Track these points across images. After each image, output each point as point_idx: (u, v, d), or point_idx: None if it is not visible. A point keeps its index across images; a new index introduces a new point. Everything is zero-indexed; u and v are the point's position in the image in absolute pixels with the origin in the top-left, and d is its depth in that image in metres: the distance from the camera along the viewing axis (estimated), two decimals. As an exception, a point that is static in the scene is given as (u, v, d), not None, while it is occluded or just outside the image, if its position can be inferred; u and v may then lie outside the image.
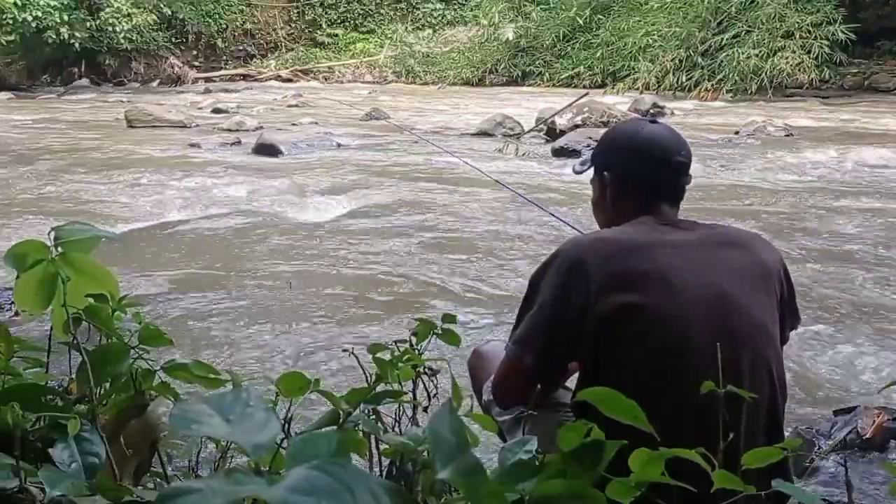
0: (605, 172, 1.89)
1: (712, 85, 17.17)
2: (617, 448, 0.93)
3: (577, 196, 6.61)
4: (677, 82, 17.71)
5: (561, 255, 1.69)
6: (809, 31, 16.73)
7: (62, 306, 1.26)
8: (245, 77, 24.72)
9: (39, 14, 20.52)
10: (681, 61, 17.90)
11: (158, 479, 1.38)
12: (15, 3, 19.78)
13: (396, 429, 1.60)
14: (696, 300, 1.61)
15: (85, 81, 22.82)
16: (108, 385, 1.31)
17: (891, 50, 17.41)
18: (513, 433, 1.85)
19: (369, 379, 1.41)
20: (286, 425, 1.40)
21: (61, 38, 21.13)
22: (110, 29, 22.17)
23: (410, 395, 1.55)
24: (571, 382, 1.83)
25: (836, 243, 5.73)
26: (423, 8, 26.36)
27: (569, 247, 1.70)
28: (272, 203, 7.09)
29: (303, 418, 1.74)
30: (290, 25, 27.07)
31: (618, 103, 13.51)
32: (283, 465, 0.72)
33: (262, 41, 26.92)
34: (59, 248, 1.27)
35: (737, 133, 11.05)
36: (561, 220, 3.29)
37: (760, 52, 16.76)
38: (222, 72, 25.36)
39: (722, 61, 17.16)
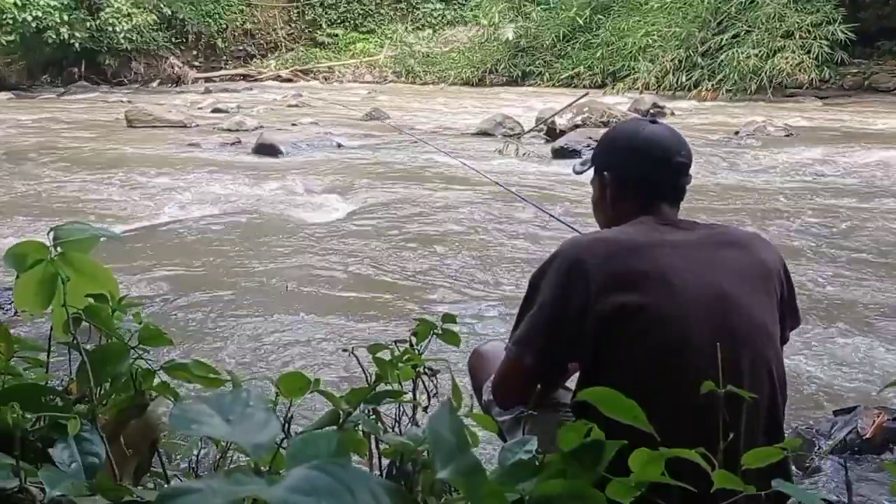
0: (606, 172, 1.89)
1: (712, 85, 17.17)
2: (617, 448, 0.93)
3: (577, 196, 6.61)
4: (677, 82, 17.71)
5: (561, 255, 1.69)
6: (809, 31, 16.72)
7: (62, 306, 1.26)
8: (245, 77, 24.71)
9: (39, 14, 20.51)
10: (681, 61, 17.90)
11: (158, 479, 1.38)
12: (15, 3, 19.77)
13: (396, 429, 1.60)
14: (696, 300, 1.61)
15: (85, 81, 22.82)
16: (108, 385, 1.30)
17: (891, 50, 17.41)
18: (513, 433, 1.85)
19: (369, 379, 1.41)
20: (286, 425, 1.40)
21: (61, 38, 21.13)
22: (110, 29, 22.16)
23: (410, 395, 1.55)
24: (571, 382, 1.83)
25: (835, 243, 5.73)
26: (423, 8, 26.36)
27: (568, 247, 1.70)
28: (272, 203, 7.09)
29: (303, 418, 1.75)
30: (290, 25, 27.07)
31: (618, 103, 13.52)
32: (283, 465, 0.72)
33: (262, 41, 26.92)
34: (59, 248, 1.27)
35: (737, 133, 11.05)
36: (560, 220, 3.29)
37: (760, 52, 16.76)
38: (222, 72, 25.35)
39: (722, 61, 17.16)
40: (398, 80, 23.74)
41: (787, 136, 10.87)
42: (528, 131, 11.32)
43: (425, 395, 1.61)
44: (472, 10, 24.82)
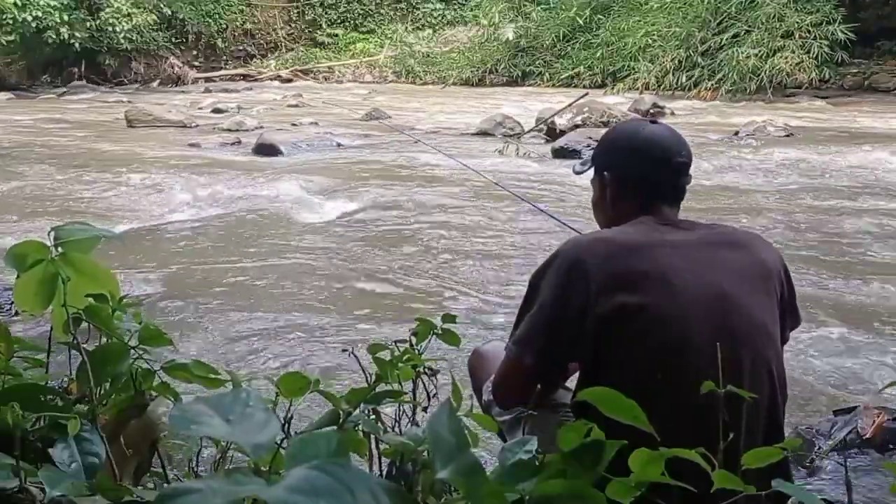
0: (606, 173, 1.89)
1: (712, 85, 17.16)
2: (617, 448, 0.93)
3: (577, 196, 6.61)
4: (677, 82, 17.70)
5: (560, 255, 1.69)
6: (809, 31, 16.71)
7: (62, 306, 1.26)
8: (245, 77, 24.71)
9: (39, 14, 20.51)
10: (681, 61, 17.89)
11: (158, 479, 1.38)
12: (15, 3, 19.77)
13: (396, 429, 1.60)
14: (696, 300, 1.61)
15: (85, 81, 22.82)
16: (108, 385, 1.31)
17: (891, 50, 17.40)
18: (513, 433, 1.85)
19: (369, 379, 1.41)
20: (286, 425, 1.40)
21: (61, 38, 21.13)
22: (110, 29, 22.16)
23: (410, 395, 1.55)
24: (571, 382, 1.83)
25: (835, 243, 5.73)
26: (423, 8, 26.36)
27: (568, 247, 1.70)
28: (272, 203, 7.09)
29: (303, 418, 1.75)
30: (290, 25, 27.06)
31: (618, 103, 13.51)
32: (283, 465, 0.72)
33: (262, 41, 26.91)
34: (59, 248, 1.27)
35: (737, 133, 11.04)
36: (560, 220, 3.28)
37: (760, 51, 16.74)
38: (222, 72, 25.35)
39: (722, 61, 17.14)
40: (398, 80, 23.73)
41: (787, 136, 10.86)
42: (528, 131, 11.31)
43: (425, 395, 1.61)
44: (472, 10, 24.81)
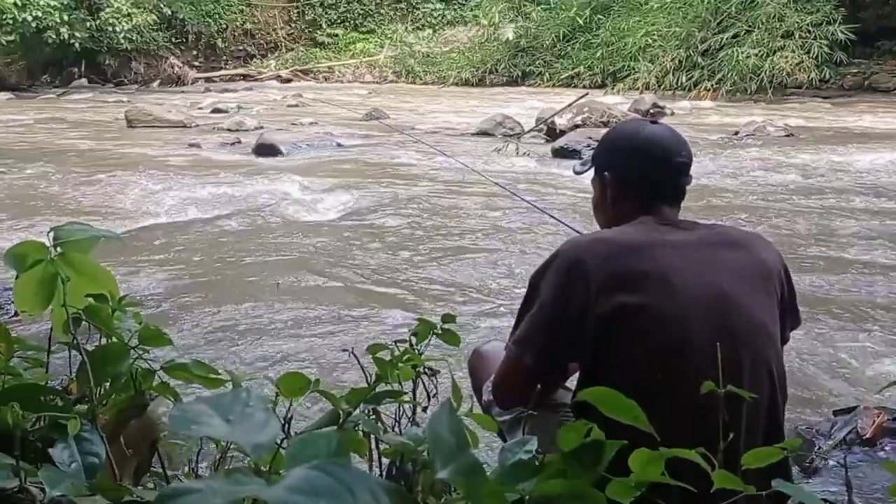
0: (606, 173, 1.89)
1: (712, 85, 17.16)
2: (617, 448, 0.93)
3: (577, 196, 6.61)
4: (677, 82, 17.71)
5: (560, 255, 1.69)
6: (809, 31, 16.72)
7: (62, 306, 1.26)
8: (245, 77, 24.72)
9: (39, 14, 20.52)
10: (681, 61, 17.89)
11: (158, 479, 1.38)
12: (15, 3, 19.77)
13: (396, 429, 1.60)
14: (696, 300, 1.61)
15: (85, 81, 22.82)
16: (108, 385, 1.30)
17: (891, 50, 17.41)
18: (513, 433, 1.86)
19: (369, 379, 1.41)
20: (286, 425, 1.40)
21: (61, 38, 21.13)
22: (110, 29, 22.17)
23: (410, 395, 1.55)
24: (571, 382, 1.83)
25: (835, 243, 5.73)
26: (423, 8, 26.36)
27: (568, 247, 1.70)
28: (272, 203, 7.09)
29: (303, 418, 1.74)
30: (290, 25, 27.07)
31: (618, 103, 13.51)
32: (283, 465, 0.72)
33: (262, 41, 26.92)
34: (59, 249, 1.27)
35: (737, 133, 11.05)
36: (560, 220, 3.28)
37: (760, 51, 16.75)
38: (222, 72, 25.36)
39: (722, 61, 17.15)
40: (398, 80, 23.73)
41: (787, 136, 10.87)
42: (528, 131, 11.31)
43: (425, 395, 1.61)
44: (472, 10, 24.81)
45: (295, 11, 27.05)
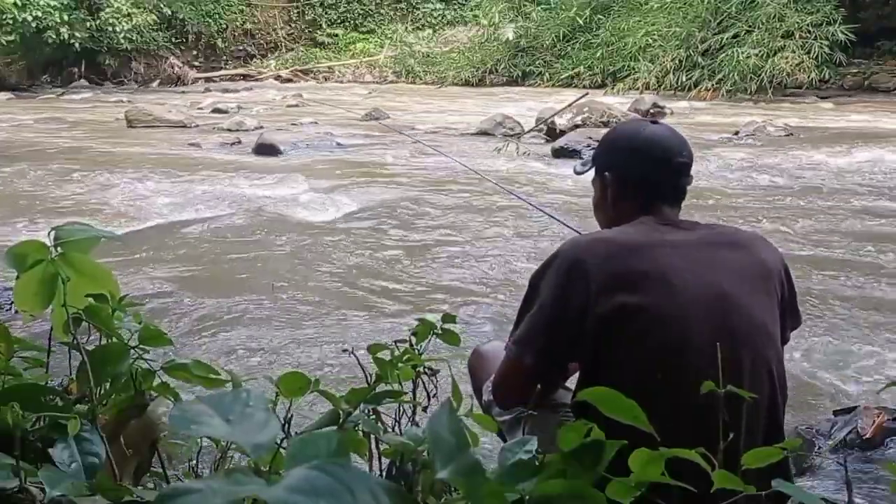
0: (606, 173, 1.89)
1: (712, 85, 17.14)
2: (617, 448, 0.93)
3: (578, 196, 6.61)
4: (677, 82, 17.68)
5: (560, 255, 1.69)
6: (809, 31, 16.70)
7: (62, 306, 1.26)
8: (245, 77, 24.70)
9: (39, 14, 20.50)
10: (681, 61, 17.87)
11: (158, 479, 1.38)
12: (15, 3, 19.76)
13: (396, 429, 1.60)
14: (696, 300, 1.61)
15: (85, 81, 22.81)
16: (108, 385, 1.30)
17: (891, 50, 17.40)
18: (513, 433, 1.86)
19: (369, 379, 1.41)
20: (286, 425, 1.40)
21: (61, 38, 21.11)
22: (110, 29, 22.15)
23: (410, 395, 1.55)
24: (571, 382, 1.83)
25: (835, 243, 5.73)
26: (423, 8, 26.35)
27: (568, 247, 1.70)
28: (272, 203, 7.09)
29: (303, 418, 1.74)
30: (290, 25, 27.05)
31: (618, 103, 13.49)
32: (283, 465, 0.72)
33: (262, 41, 26.90)
34: (59, 249, 1.27)
35: (737, 133, 11.04)
36: (560, 220, 3.28)
37: (760, 51, 16.74)
38: (222, 72, 25.34)
39: (722, 61, 17.13)
40: (398, 80, 23.71)
41: (787, 135, 10.87)
42: (528, 131, 11.30)
43: (425, 395, 1.61)
44: (472, 10, 24.79)
45: (295, 11, 27.04)
